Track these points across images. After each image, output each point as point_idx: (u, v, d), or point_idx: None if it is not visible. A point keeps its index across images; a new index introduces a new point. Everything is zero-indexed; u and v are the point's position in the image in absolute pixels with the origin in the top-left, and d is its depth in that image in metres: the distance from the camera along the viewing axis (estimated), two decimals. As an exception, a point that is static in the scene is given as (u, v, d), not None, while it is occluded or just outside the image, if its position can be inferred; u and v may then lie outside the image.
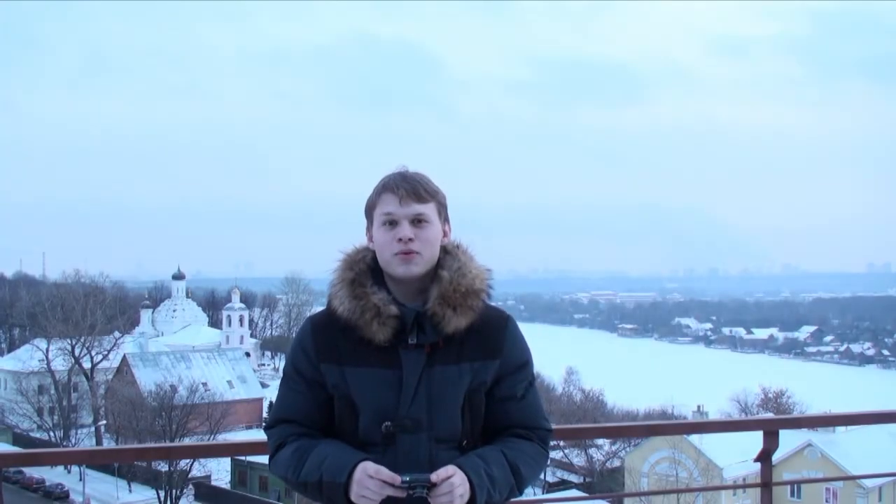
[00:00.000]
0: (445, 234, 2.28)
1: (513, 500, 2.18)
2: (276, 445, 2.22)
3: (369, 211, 2.27)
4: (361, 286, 2.20)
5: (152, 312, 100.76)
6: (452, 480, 2.00)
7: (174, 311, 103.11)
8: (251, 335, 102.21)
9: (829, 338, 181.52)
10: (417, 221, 2.18)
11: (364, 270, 2.23)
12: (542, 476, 48.82)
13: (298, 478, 2.13)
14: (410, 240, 2.16)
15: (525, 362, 2.28)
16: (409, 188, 2.20)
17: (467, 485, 2.03)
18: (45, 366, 61.72)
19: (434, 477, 1.98)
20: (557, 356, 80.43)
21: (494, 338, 2.23)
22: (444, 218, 2.28)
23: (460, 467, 2.05)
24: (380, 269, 2.24)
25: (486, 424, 2.25)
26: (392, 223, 2.19)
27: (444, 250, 2.25)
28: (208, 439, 48.81)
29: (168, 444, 26.29)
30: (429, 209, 2.21)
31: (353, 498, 2.02)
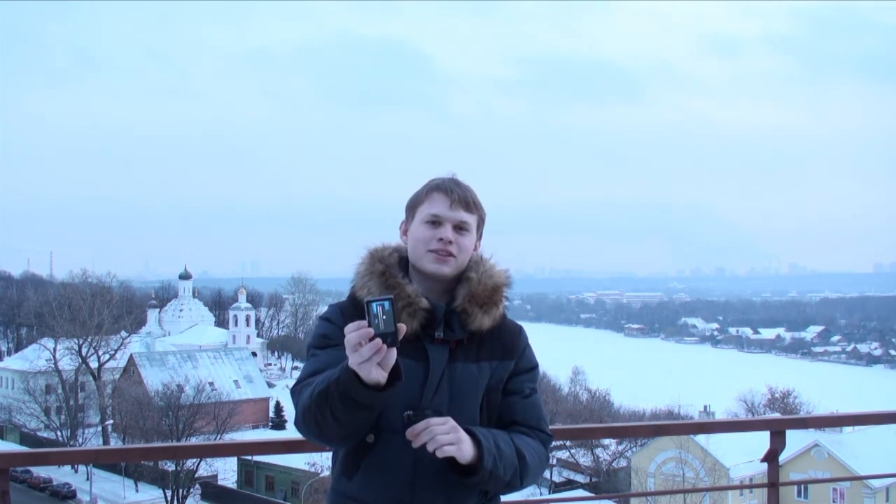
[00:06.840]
0: (475, 248, 2.39)
1: (518, 500, 2.20)
2: (301, 391, 2.17)
3: (413, 206, 2.36)
4: (393, 277, 2.27)
5: (159, 312, 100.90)
6: (433, 421, 2.08)
7: (181, 310, 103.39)
8: (258, 335, 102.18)
9: (836, 338, 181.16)
10: (460, 228, 2.31)
11: (394, 264, 2.30)
12: (548, 476, 48.91)
13: (313, 393, 2.07)
14: (450, 242, 2.27)
15: (535, 367, 2.43)
16: (461, 195, 2.32)
17: (459, 436, 2.09)
18: (53, 365, 61.80)
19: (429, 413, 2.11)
20: (564, 356, 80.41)
21: (511, 341, 2.36)
22: (479, 233, 2.41)
23: (469, 431, 2.13)
24: (407, 265, 2.33)
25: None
26: (436, 223, 2.29)
27: (470, 261, 2.37)
28: (215, 439, 48.94)
29: (175, 443, 26.29)
30: (472, 220, 2.34)
31: (355, 366, 1.95)
